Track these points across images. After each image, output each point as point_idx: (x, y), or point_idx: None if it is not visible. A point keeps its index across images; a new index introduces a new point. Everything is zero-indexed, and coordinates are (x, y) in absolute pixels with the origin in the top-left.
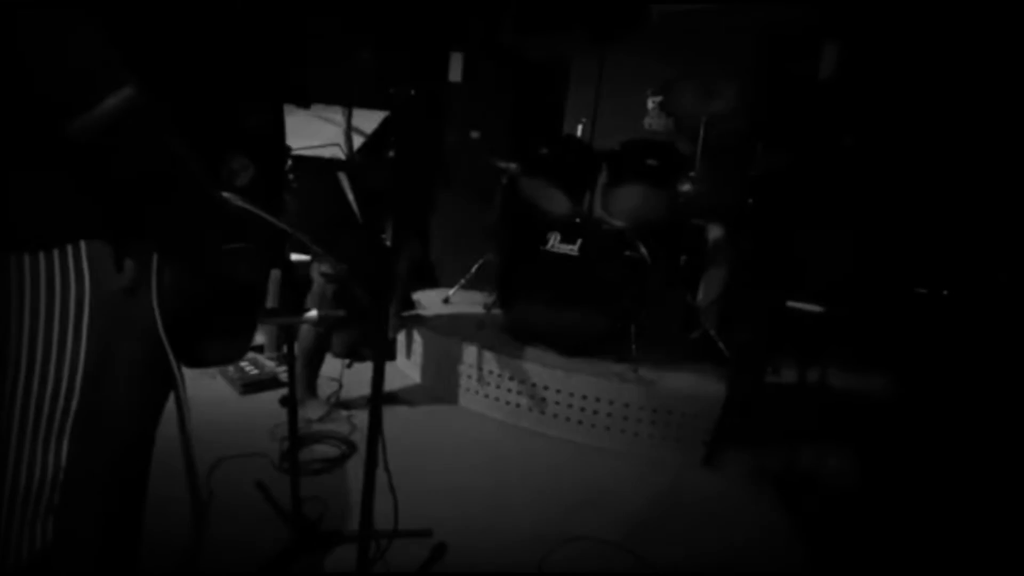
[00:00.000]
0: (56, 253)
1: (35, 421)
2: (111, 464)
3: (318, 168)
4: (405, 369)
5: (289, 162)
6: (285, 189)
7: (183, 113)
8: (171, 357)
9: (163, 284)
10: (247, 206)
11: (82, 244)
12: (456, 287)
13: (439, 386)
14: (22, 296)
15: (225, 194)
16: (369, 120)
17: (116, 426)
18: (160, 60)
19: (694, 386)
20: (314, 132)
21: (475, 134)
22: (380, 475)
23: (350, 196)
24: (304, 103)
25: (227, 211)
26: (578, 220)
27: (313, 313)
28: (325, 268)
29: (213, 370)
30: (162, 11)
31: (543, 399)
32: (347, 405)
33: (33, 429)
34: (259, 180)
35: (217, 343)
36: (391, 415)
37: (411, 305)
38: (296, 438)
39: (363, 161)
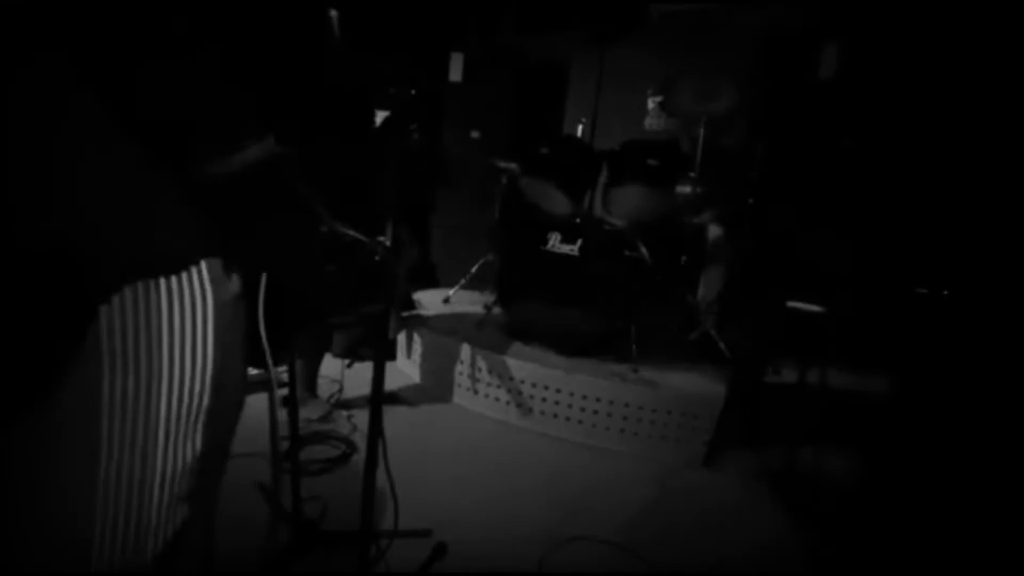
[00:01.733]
0: (185, 276)
1: (177, 420)
2: (223, 451)
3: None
4: (405, 369)
5: None
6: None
7: (303, 156)
8: (269, 360)
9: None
10: (359, 236)
11: (203, 263)
12: (456, 287)
13: (439, 386)
14: (160, 317)
15: (340, 227)
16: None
17: (228, 417)
18: (288, 113)
19: (694, 386)
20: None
21: (475, 134)
22: (380, 475)
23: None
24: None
25: (330, 238)
26: (578, 220)
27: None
28: None
29: None
30: (286, 68)
31: (543, 399)
32: (347, 405)
33: (175, 427)
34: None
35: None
36: (391, 415)
37: (411, 305)
38: (296, 438)
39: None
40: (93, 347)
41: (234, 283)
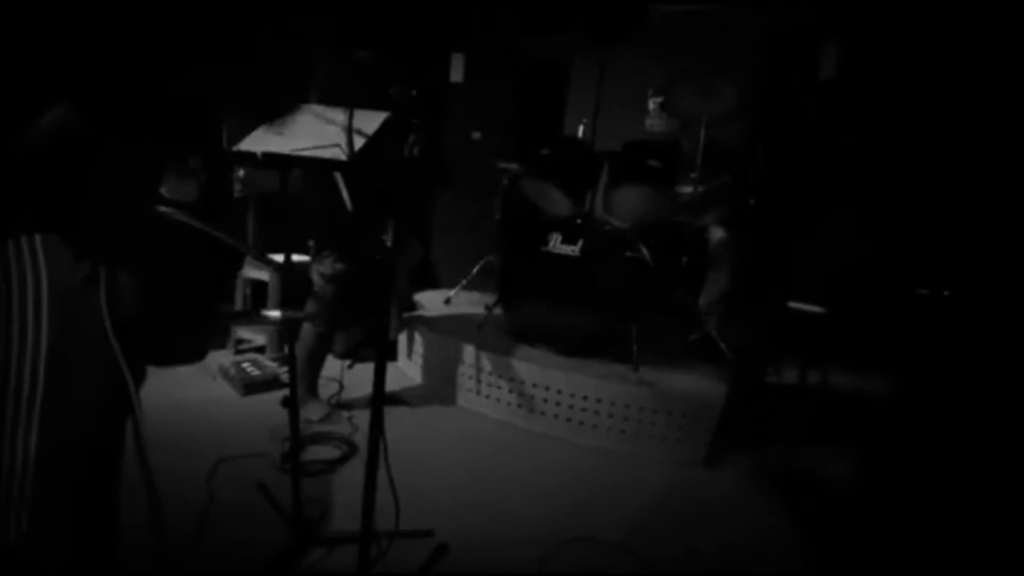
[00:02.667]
0: (11, 244)
1: (1, 411)
2: (82, 455)
3: (316, 169)
4: (406, 370)
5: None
6: (229, 194)
7: (124, 128)
8: (118, 352)
9: (114, 283)
10: (187, 220)
11: (36, 236)
12: (457, 288)
13: (440, 387)
14: None
15: (163, 209)
16: (369, 120)
17: (84, 416)
18: (99, 82)
19: (695, 386)
20: (315, 133)
21: (476, 135)
22: (381, 476)
23: (346, 195)
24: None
25: (168, 221)
26: (579, 221)
27: (276, 313)
28: (324, 269)
29: (214, 370)
30: (98, 33)
31: (544, 399)
32: (348, 406)
33: None
34: (206, 187)
35: (169, 342)
36: (392, 416)
37: (412, 306)
38: (297, 439)
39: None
40: None
41: (84, 267)
